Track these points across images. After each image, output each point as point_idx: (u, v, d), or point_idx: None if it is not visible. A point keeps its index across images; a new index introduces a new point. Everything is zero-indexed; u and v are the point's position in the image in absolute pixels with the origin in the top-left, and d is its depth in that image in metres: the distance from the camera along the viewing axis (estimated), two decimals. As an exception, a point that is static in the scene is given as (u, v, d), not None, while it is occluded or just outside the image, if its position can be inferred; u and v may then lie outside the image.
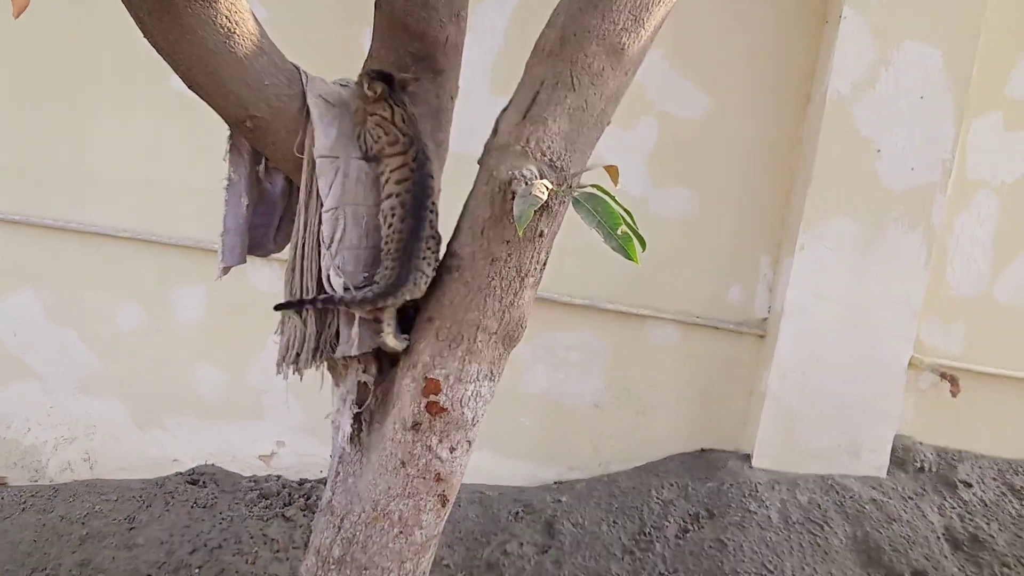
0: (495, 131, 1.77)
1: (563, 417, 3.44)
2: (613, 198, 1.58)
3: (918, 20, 2.96)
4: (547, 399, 3.43)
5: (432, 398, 1.80)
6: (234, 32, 1.63)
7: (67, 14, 2.87)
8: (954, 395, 2.97)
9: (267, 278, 3.19)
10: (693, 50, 3.18)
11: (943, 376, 3.05)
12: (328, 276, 1.81)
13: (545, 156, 1.69)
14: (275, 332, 1.93)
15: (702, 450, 3.43)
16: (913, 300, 3.12)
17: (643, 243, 1.61)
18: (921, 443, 3.38)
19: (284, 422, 3.39)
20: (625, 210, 1.58)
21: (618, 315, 3.36)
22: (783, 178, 3.25)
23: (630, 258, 1.53)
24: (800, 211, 3.12)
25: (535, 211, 1.59)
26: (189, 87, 1.72)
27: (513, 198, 1.62)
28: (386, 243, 1.78)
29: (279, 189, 2.01)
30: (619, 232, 1.54)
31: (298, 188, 1.90)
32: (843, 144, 3.05)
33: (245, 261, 2.03)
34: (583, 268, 3.16)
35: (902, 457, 3.31)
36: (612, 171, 1.65)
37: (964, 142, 3.18)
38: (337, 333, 1.86)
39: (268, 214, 2.03)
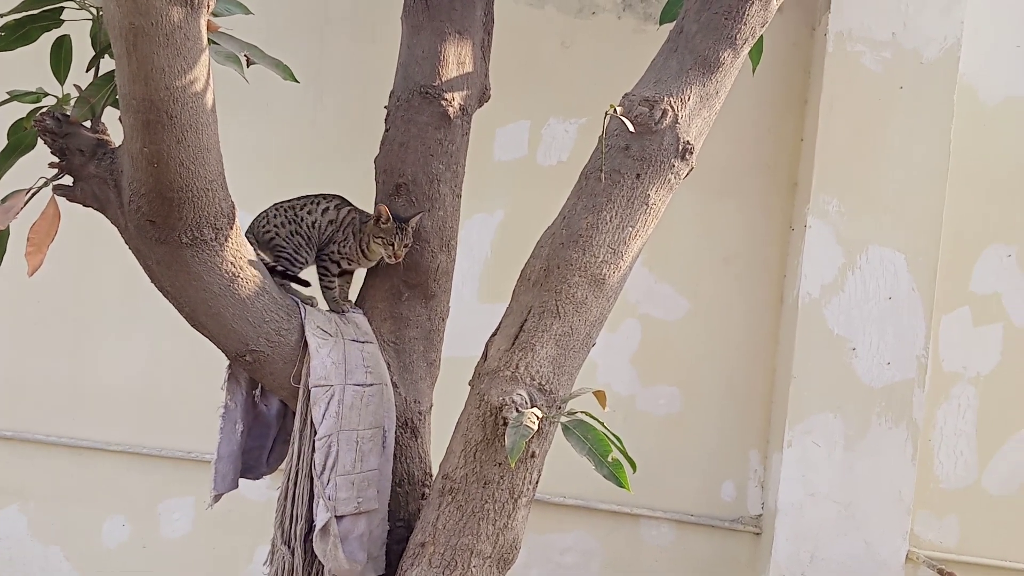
0: (484, 355, 1.82)
1: None
2: (602, 423, 1.62)
3: (880, 226, 3.12)
4: None
5: None
6: (238, 276, 1.73)
7: (71, 238, 2.98)
8: (954, 592, 2.88)
9: (257, 487, 3.12)
10: (672, 257, 3.31)
11: (940, 572, 2.97)
12: (317, 504, 1.81)
13: (534, 380, 1.73)
14: (264, 563, 1.89)
15: (706, 657, 3.26)
16: (904, 495, 3.10)
17: (633, 465, 1.63)
18: (930, 643, 3.23)
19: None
20: (614, 435, 1.61)
21: (611, 515, 3.30)
22: (765, 375, 3.31)
23: (622, 486, 1.54)
24: (784, 408, 3.16)
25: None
26: (192, 326, 1.80)
27: (505, 424, 1.65)
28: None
29: (274, 411, 2.05)
30: (609, 459, 1.55)
31: (293, 412, 1.93)
32: (819, 343, 3.13)
33: (237, 486, 2.03)
34: (574, 467, 3.12)
35: (911, 660, 3.15)
36: (600, 396, 1.69)
37: (936, 337, 3.26)
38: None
39: (262, 436, 2.06)
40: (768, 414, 3.31)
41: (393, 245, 1.88)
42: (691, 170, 1.88)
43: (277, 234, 1.97)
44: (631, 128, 1.76)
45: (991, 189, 3.30)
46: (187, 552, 3.30)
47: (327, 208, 2.01)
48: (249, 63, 1.68)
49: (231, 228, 1.70)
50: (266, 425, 2.05)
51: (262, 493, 3.17)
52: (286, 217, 1.99)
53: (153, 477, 3.32)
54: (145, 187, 1.56)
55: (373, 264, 1.99)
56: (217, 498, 1.99)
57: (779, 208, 3.32)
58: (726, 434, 3.32)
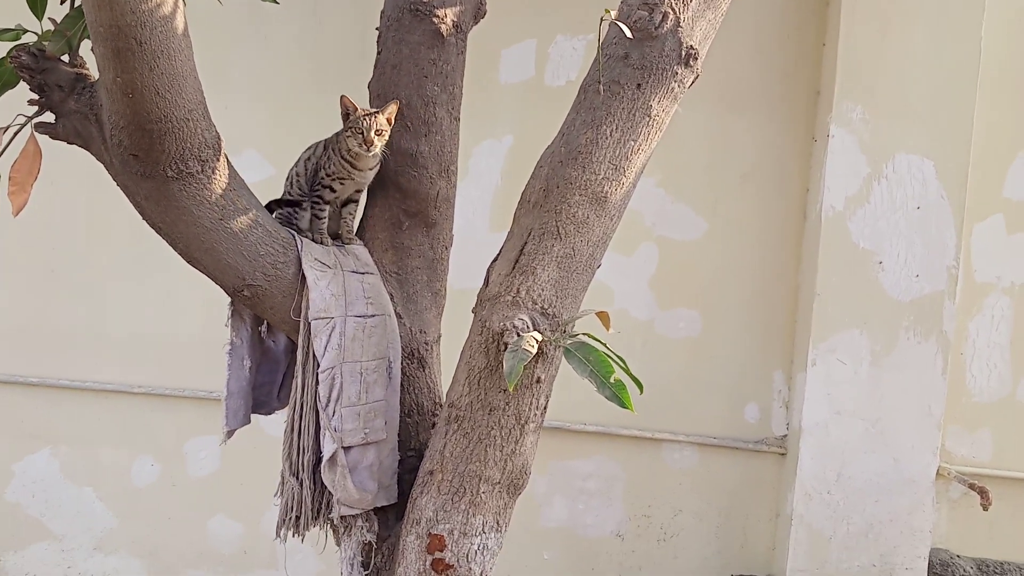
0: (486, 282, 1.78)
1: (586, 550, 3.35)
2: (605, 345, 1.58)
3: (908, 133, 3.02)
4: (568, 532, 3.35)
5: (437, 555, 1.75)
6: (228, 209, 1.69)
7: (81, 183, 2.98)
8: (985, 508, 2.85)
9: (279, 424, 3.18)
10: (687, 175, 3.25)
11: (972, 487, 2.94)
12: (323, 436, 1.80)
13: (536, 304, 1.69)
14: (274, 494, 1.91)
15: (732, 577, 3.31)
16: (934, 410, 3.06)
17: (640, 386, 1.60)
18: (959, 556, 3.24)
19: (301, 571, 3.30)
20: (617, 356, 1.57)
21: (633, 440, 3.31)
22: (788, 294, 3.26)
23: (624, 406, 1.51)
24: (808, 326, 3.11)
25: (531, 359, 1.58)
26: (188, 262, 1.77)
27: (506, 349, 1.62)
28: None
29: (282, 347, 2.04)
30: (612, 380, 1.52)
31: (300, 346, 1.92)
32: (843, 258, 3.07)
33: (249, 422, 2.03)
34: (593, 393, 3.12)
35: (940, 573, 3.16)
36: (603, 317, 1.66)
37: (968, 247, 3.18)
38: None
39: (271, 372, 2.06)
40: (792, 334, 3.27)
41: (363, 133, 1.80)
42: (696, 77, 1.79)
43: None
44: (629, 34, 1.67)
45: (1025, 91, 3.15)
46: (215, 488, 3.38)
47: (308, 158, 1.98)
48: (225, -15, 1.62)
49: (217, 160, 1.66)
50: (275, 360, 2.04)
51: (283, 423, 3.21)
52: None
53: (178, 417, 3.38)
54: (124, 119, 1.52)
55: (365, 173, 1.92)
56: (230, 434, 1.99)
57: (800, 119, 3.22)
58: (749, 355, 3.29)
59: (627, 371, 1.56)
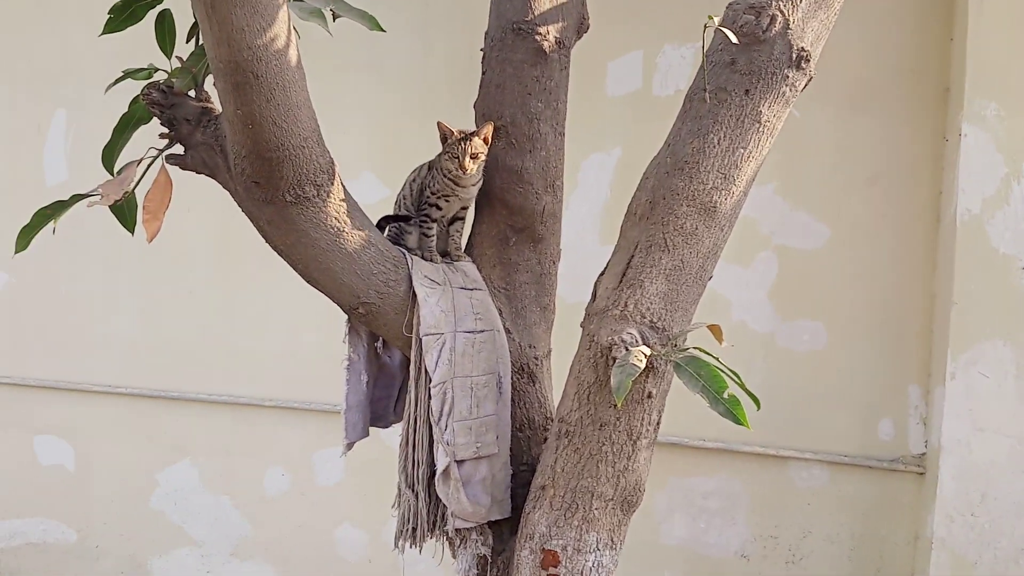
0: (594, 295, 1.77)
1: (708, 570, 3.27)
2: (717, 359, 1.54)
3: None
4: (689, 551, 3.28)
5: (552, 571, 1.74)
6: (343, 231, 1.75)
7: (212, 207, 3.17)
8: None
9: (398, 436, 3.26)
10: (806, 180, 3.14)
11: None
12: (437, 449, 1.83)
13: (645, 318, 1.67)
14: (392, 506, 1.95)
15: (868, 604, 3.14)
16: (1090, 424, 2.82)
17: (756, 402, 1.55)
18: None
19: (422, 580, 3.37)
20: (730, 371, 1.53)
21: (756, 457, 3.22)
22: (922, 303, 3.11)
23: (739, 423, 1.47)
24: (946, 337, 2.95)
25: (640, 374, 1.55)
26: (307, 282, 1.84)
27: (614, 364, 1.60)
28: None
29: (397, 361, 2.08)
30: (725, 396, 1.48)
31: (411, 361, 1.96)
32: (982, 264, 2.90)
33: (368, 435, 2.07)
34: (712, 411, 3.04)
35: (1104, 605, 2.89)
36: (715, 330, 1.61)
37: (1118, 246, 2.92)
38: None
39: (388, 386, 2.10)
40: (928, 345, 3.11)
41: (459, 158, 1.84)
42: (810, 80, 1.72)
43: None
44: (735, 40, 1.63)
45: None
46: (341, 497, 3.49)
47: (414, 179, 2.03)
48: (335, 17, 1.69)
49: (332, 184, 1.72)
50: (390, 375, 2.09)
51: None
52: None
53: (306, 429, 3.51)
54: (245, 149, 1.60)
55: (468, 190, 1.95)
56: (349, 446, 2.03)
57: (928, 117, 3.08)
58: (880, 369, 3.15)
59: (742, 386, 1.51)
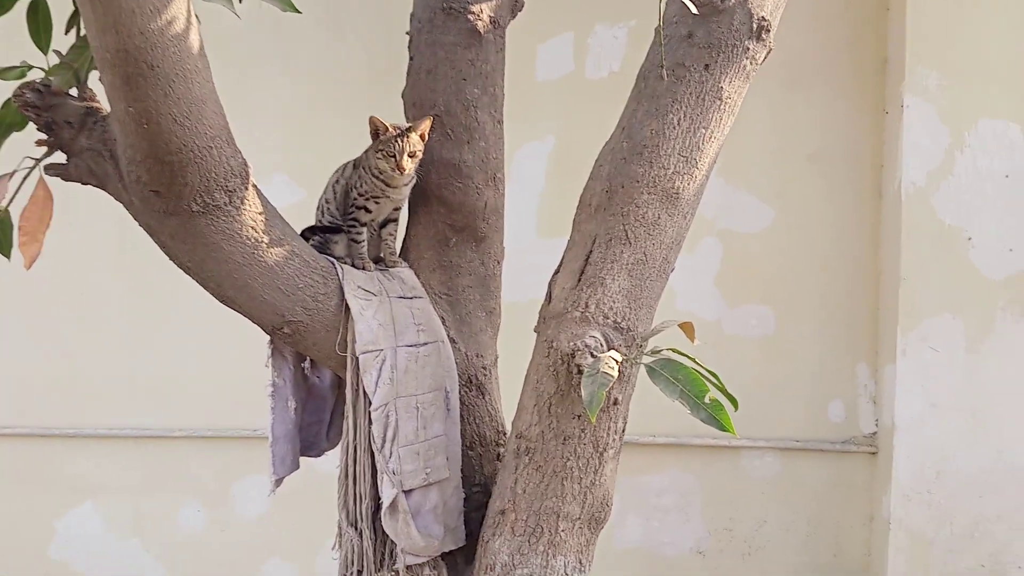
0: (548, 297, 1.69)
1: (665, 570, 3.26)
2: (694, 360, 1.46)
3: (989, 96, 2.90)
4: (644, 552, 3.27)
5: None
6: (261, 242, 1.62)
7: (105, 217, 2.96)
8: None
9: (330, 459, 3.12)
10: (748, 161, 3.13)
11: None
12: (381, 480, 1.72)
13: (608, 319, 1.60)
14: (332, 547, 1.82)
15: (828, 590, 3.21)
16: (1041, 395, 2.92)
17: (735, 403, 1.50)
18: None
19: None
20: (709, 372, 1.46)
21: (708, 449, 3.23)
22: (868, 281, 3.15)
23: (725, 429, 1.39)
24: (895, 313, 3.00)
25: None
26: (221, 302, 1.70)
27: (579, 372, 1.52)
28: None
29: (328, 383, 1.97)
30: (707, 400, 1.40)
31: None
32: (929, 237, 2.95)
33: (298, 467, 1.96)
34: (663, 403, 3.01)
35: (1060, 571, 3.01)
36: (687, 328, 1.55)
37: (1066, 214, 3.02)
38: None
39: (318, 411, 1.99)
40: (875, 323, 3.17)
41: (395, 156, 1.72)
42: (769, 52, 1.68)
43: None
44: (694, 10, 1.54)
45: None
46: (266, 529, 3.34)
47: (336, 180, 1.90)
48: (242, -1, 1.51)
49: (245, 189, 1.58)
50: (321, 398, 1.97)
51: (336, 464, 3.17)
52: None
53: (222, 458, 3.36)
54: (140, 153, 1.44)
55: (400, 190, 1.84)
56: (278, 482, 1.91)
57: (869, 90, 3.12)
58: (829, 350, 3.19)
59: (721, 388, 1.46)
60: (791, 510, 3.23)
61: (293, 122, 3.25)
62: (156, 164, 1.45)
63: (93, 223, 3.20)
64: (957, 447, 2.97)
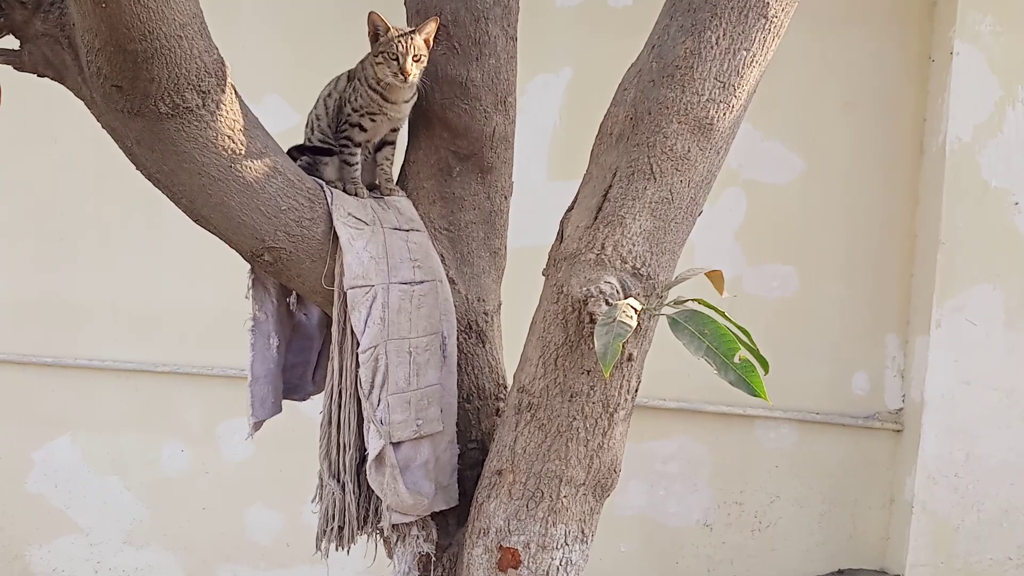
0: (560, 236, 1.55)
1: (668, 541, 3.20)
2: (722, 314, 1.31)
3: None
4: (647, 520, 3.20)
5: (511, 573, 1.55)
6: (240, 154, 1.48)
7: (83, 131, 2.86)
8: None
9: (320, 403, 3.07)
10: (778, 107, 2.99)
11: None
12: (368, 429, 1.61)
13: (626, 263, 1.46)
14: (312, 499, 1.70)
15: (840, 572, 3.13)
16: (1080, 376, 2.86)
17: (765, 366, 1.35)
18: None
19: (349, 566, 3.15)
20: (740, 328, 1.31)
21: (720, 416, 3.13)
22: (903, 244, 3.03)
23: (756, 394, 1.24)
24: (931, 281, 2.88)
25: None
26: (195, 221, 1.58)
27: (592, 321, 1.39)
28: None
29: (316, 320, 1.87)
30: (736, 359, 1.24)
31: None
32: (972, 199, 2.82)
33: (280, 410, 1.86)
34: (673, 364, 2.94)
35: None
36: (716, 277, 1.40)
37: (1120, 179, 2.93)
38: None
39: (304, 350, 1.89)
40: (908, 290, 3.04)
41: (397, 60, 1.57)
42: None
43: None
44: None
45: None
46: (252, 475, 3.29)
47: (328, 94, 1.76)
48: None
49: (222, 91, 1.43)
50: (307, 337, 1.86)
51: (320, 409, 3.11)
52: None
53: (207, 398, 3.29)
54: (100, 39, 1.28)
55: (400, 106, 1.69)
56: (257, 426, 1.81)
57: (914, 34, 2.98)
58: (856, 317, 3.09)
59: (753, 348, 1.33)
60: (806, 486, 3.15)
61: (285, 37, 3.13)
62: (117, 53, 1.29)
63: (75, 144, 3.09)
64: (989, 428, 2.88)
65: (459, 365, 1.73)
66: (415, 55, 1.57)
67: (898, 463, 3.06)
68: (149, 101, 1.35)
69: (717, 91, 1.44)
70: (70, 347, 3.30)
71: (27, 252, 3.30)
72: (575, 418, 1.48)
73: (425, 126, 1.73)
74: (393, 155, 1.79)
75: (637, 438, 3.08)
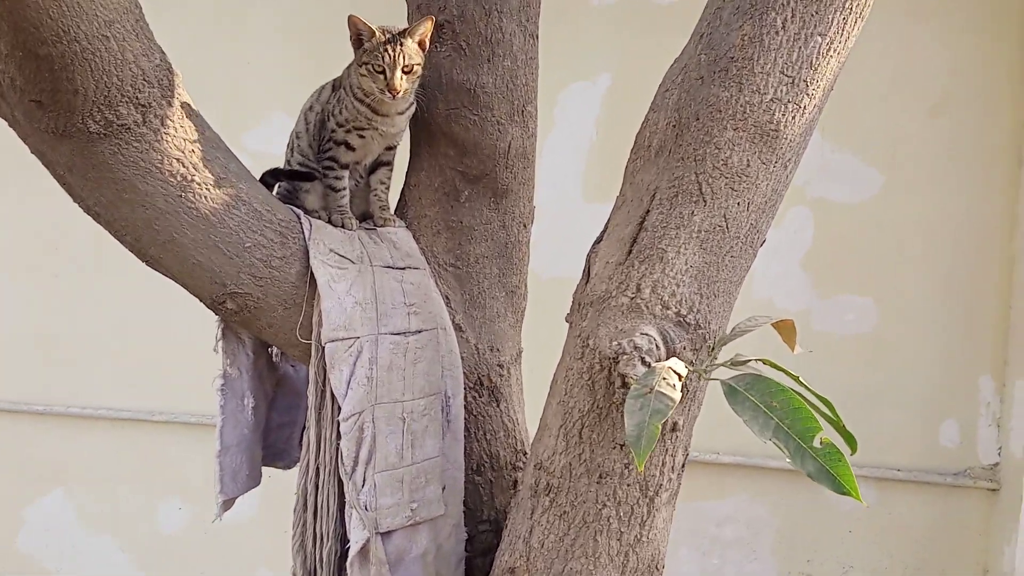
0: (586, 275, 1.37)
1: None
2: (796, 379, 1.10)
3: None
4: None
5: None
6: (193, 180, 1.29)
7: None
8: None
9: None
10: (853, 114, 2.82)
11: None
12: (350, 516, 1.43)
13: (668, 309, 1.27)
14: None
15: (927, 655, 2.94)
16: None
17: (853, 445, 1.13)
18: None
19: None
20: (819, 397, 1.07)
21: (784, 473, 2.94)
22: (999, 273, 2.84)
23: (845, 492, 0.98)
24: None
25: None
26: (145, 263, 1.42)
27: (624, 385, 1.19)
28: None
29: (304, 373, 1.66)
30: (818, 442, 0.99)
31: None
32: None
33: (258, 483, 1.70)
34: (727, 410, 2.71)
35: None
36: (786, 328, 1.18)
37: None
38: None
39: (291, 409, 1.74)
40: (1006, 325, 2.86)
41: (384, 73, 1.40)
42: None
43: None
44: None
45: None
46: (255, 534, 3.17)
47: (310, 107, 1.60)
48: None
49: (169, 104, 1.25)
50: (295, 393, 1.70)
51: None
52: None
53: (209, 450, 3.09)
54: (4, 42, 1.10)
55: (392, 120, 1.52)
56: (228, 504, 1.64)
57: (1014, 24, 2.75)
58: (944, 357, 2.91)
59: (837, 423, 1.08)
60: (885, 554, 2.97)
61: (294, 49, 3.04)
62: (28, 59, 1.11)
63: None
64: (1104, 488, 2.66)
65: (467, 430, 1.57)
66: (405, 65, 1.41)
67: (994, 528, 2.86)
68: (76, 118, 1.18)
69: (784, 89, 1.25)
70: (64, 395, 3.25)
71: (20, 291, 3.27)
72: (605, 504, 1.29)
73: (427, 142, 1.59)
74: (389, 178, 1.64)
75: (687, 497, 2.84)
